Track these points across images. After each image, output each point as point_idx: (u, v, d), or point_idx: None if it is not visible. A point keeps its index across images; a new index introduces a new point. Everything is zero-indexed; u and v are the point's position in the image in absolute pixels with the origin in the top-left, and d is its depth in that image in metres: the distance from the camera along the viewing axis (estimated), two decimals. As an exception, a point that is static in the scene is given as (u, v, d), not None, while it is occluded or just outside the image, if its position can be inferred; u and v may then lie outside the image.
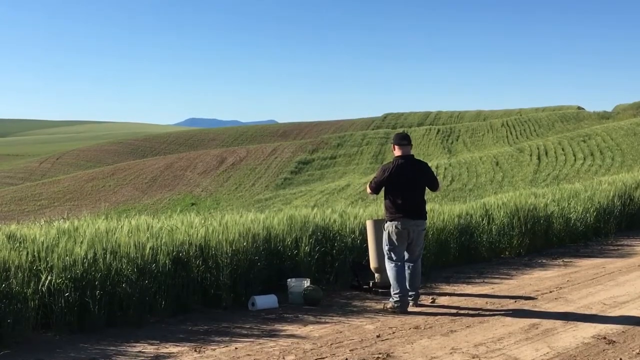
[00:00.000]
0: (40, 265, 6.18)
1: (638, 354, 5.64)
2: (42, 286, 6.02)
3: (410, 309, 7.31)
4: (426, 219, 7.72)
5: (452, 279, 9.17)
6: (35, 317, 6.00)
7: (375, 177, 7.63)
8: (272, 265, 7.93)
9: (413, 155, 7.68)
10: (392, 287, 7.38)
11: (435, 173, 8.19)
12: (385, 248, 7.52)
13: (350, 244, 8.67)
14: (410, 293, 7.43)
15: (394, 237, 7.43)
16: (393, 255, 7.46)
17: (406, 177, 7.44)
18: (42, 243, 6.42)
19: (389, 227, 7.45)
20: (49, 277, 6.05)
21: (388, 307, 7.31)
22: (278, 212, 9.41)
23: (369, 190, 7.73)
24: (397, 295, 7.28)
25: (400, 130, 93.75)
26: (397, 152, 7.59)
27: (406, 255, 7.57)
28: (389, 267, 7.46)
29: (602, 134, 65.99)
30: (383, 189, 7.56)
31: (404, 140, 7.63)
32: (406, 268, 7.53)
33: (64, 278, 6.11)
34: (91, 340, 6.00)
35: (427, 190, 7.69)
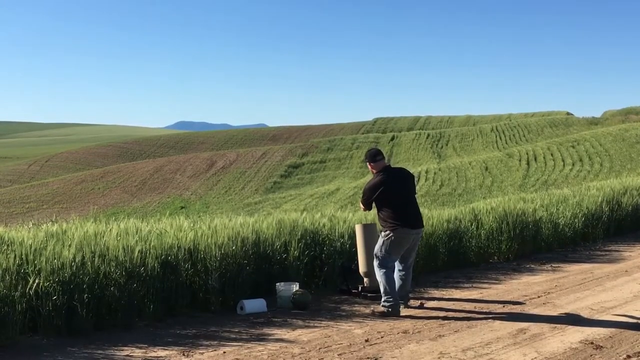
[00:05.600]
0: (28, 268, 6.15)
1: (625, 359, 5.67)
2: (29, 289, 5.99)
3: (401, 309, 7.35)
4: (424, 225, 7.82)
5: (441, 283, 9.18)
6: (23, 320, 5.97)
7: (364, 197, 7.63)
8: (261, 270, 7.93)
9: (390, 165, 7.75)
10: (383, 292, 7.37)
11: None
12: (379, 254, 7.47)
13: (339, 248, 8.67)
14: (401, 294, 7.48)
15: (393, 247, 7.40)
16: (387, 262, 7.44)
17: (398, 188, 7.50)
18: (30, 246, 6.40)
19: (390, 236, 7.38)
20: (36, 281, 6.03)
21: (378, 311, 7.31)
22: (267, 216, 9.40)
23: (362, 207, 7.79)
24: (390, 300, 7.29)
25: (390, 134, 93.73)
26: (376, 168, 7.60)
27: (398, 262, 7.59)
28: (380, 273, 7.44)
29: (590, 139, 66.29)
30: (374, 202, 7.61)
31: (378, 155, 7.66)
32: (398, 272, 7.55)
33: (51, 281, 6.08)
34: (79, 344, 5.97)
35: None
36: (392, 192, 7.44)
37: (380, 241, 7.51)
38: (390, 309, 7.26)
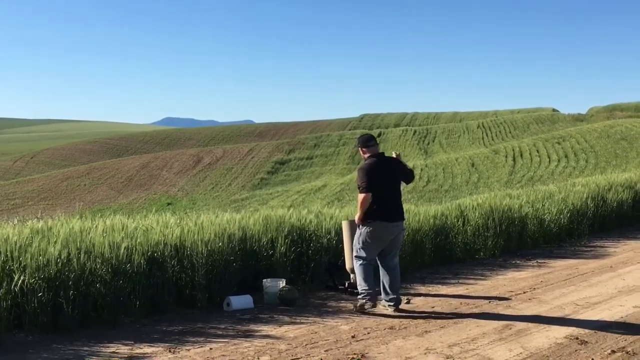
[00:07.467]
0: (13, 265, 6.11)
1: (610, 354, 5.71)
2: (14, 286, 5.96)
3: (391, 312, 7.23)
4: (404, 218, 7.57)
5: (427, 279, 9.21)
6: (8, 317, 5.94)
7: (361, 179, 7.25)
8: (248, 266, 7.92)
9: (384, 153, 7.55)
10: (359, 284, 7.29)
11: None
12: (357, 246, 7.37)
13: (326, 245, 8.67)
14: (391, 297, 7.32)
15: (368, 239, 7.27)
16: (364, 254, 7.31)
17: (383, 176, 7.29)
18: (15, 243, 6.36)
19: (366, 228, 7.26)
20: (21, 277, 5.99)
21: (357, 304, 7.23)
22: (254, 213, 9.39)
23: (361, 198, 7.20)
24: (366, 289, 7.19)
25: (376, 130, 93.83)
26: (367, 153, 7.44)
27: (383, 263, 7.52)
28: (357, 265, 7.34)
29: (576, 136, 66.63)
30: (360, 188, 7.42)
31: (371, 141, 7.49)
32: (382, 269, 7.52)
33: (37, 278, 6.05)
34: (65, 341, 5.95)
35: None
36: (379, 181, 7.25)
37: (357, 232, 7.40)
38: (367, 297, 7.15)
